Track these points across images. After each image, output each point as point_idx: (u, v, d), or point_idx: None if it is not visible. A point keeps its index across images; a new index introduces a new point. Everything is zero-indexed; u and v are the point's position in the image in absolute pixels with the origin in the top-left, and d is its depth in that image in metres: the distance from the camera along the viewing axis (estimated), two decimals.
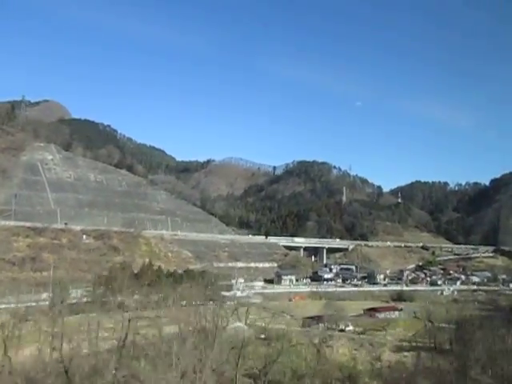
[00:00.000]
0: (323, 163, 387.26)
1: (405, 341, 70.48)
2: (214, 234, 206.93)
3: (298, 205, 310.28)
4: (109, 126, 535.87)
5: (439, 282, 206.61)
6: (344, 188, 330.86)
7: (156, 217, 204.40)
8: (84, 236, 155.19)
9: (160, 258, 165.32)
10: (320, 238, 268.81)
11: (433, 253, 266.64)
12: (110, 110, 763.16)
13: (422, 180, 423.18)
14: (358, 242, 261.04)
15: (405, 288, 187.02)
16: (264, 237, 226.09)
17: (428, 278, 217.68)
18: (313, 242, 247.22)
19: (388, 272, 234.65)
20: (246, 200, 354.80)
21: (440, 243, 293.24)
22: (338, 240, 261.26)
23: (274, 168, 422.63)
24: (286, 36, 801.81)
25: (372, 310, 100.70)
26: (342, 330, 75.56)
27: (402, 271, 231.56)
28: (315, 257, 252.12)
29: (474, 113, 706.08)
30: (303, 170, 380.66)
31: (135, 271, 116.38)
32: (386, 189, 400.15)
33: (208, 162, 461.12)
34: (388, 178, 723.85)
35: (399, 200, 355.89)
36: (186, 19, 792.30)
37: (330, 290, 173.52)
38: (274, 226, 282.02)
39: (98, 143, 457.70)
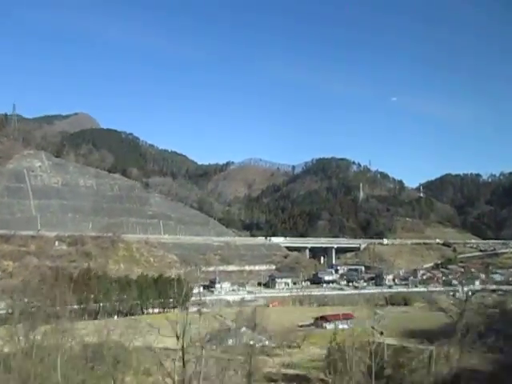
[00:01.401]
0: (342, 159, 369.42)
1: (299, 365, 56.04)
2: (207, 237, 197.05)
3: (312, 203, 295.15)
4: (131, 134, 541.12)
5: (454, 282, 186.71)
6: (361, 184, 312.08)
7: (147, 220, 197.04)
8: (56, 242, 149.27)
9: (139, 263, 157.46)
10: (332, 237, 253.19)
11: (454, 250, 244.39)
12: (134, 120, 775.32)
13: (453, 173, 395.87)
14: (371, 241, 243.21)
15: (413, 289, 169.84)
16: (264, 238, 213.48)
17: (443, 278, 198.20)
18: (320, 242, 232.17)
19: (402, 272, 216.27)
20: (261, 201, 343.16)
21: (466, 239, 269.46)
22: (348, 239, 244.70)
23: (293, 167, 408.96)
24: (295, 39, 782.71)
25: (322, 319, 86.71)
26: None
27: (416, 271, 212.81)
28: (324, 257, 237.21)
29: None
30: (320, 168, 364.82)
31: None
32: (413, 184, 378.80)
33: (227, 164, 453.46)
34: (416, 172, 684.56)
35: (421, 194, 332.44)
36: (190, 30, 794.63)
37: (326, 293, 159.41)
38: (283, 226, 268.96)
39: (120, 151, 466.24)
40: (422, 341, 64.11)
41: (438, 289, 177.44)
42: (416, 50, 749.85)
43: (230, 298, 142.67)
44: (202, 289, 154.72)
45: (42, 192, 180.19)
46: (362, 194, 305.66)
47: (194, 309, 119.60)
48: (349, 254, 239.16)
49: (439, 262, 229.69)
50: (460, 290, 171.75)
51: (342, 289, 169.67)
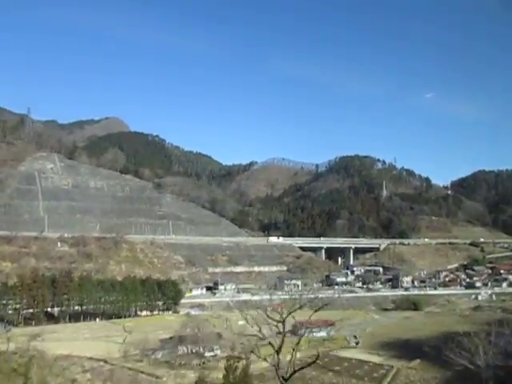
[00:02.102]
0: (366, 157, 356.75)
1: None
2: (217, 237, 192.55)
3: (333, 202, 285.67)
4: (157, 136, 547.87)
5: (478, 284, 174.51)
6: (384, 182, 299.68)
7: (156, 221, 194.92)
8: (59, 243, 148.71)
9: (143, 265, 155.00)
10: (351, 237, 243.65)
11: (481, 250, 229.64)
12: (161, 123, 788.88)
13: (487, 169, 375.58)
14: (392, 241, 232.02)
15: (431, 292, 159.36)
16: (276, 238, 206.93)
17: (467, 280, 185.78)
18: (336, 242, 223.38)
19: (423, 273, 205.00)
20: (282, 201, 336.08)
21: (497, 238, 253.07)
22: (367, 239, 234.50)
23: (317, 166, 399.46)
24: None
25: (299, 326, 79.21)
26: None
27: (438, 272, 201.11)
28: (342, 258, 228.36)
29: None
30: (343, 166, 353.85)
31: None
32: (445, 182, 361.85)
33: (250, 164, 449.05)
34: (447, 169, 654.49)
35: (449, 192, 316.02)
36: (202, 27, 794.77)
37: (336, 295, 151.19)
38: (301, 226, 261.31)
39: (146, 153, 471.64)
40: (396, 354, 56.97)
41: (459, 291, 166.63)
42: (445, 46, 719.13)
43: (231, 299, 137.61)
44: (205, 290, 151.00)
45: (52, 193, 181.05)
46: (385, 192, 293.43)
47: (190, 311, 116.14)
48: (368, 255, 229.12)
49: (465, 262, 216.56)
50: (482, 292, 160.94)
51: (353, 291, 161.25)
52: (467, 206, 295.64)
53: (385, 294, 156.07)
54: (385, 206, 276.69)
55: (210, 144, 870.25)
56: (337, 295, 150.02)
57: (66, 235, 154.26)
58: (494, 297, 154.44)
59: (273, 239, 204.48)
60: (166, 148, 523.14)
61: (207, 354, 54.86)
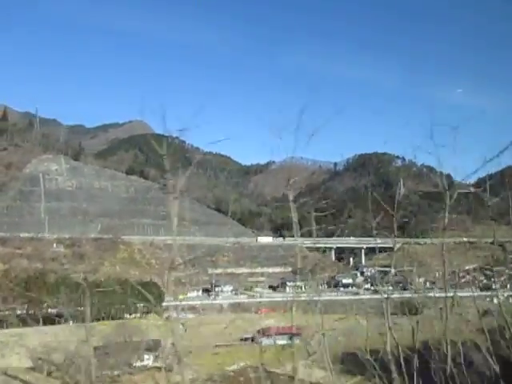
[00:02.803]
0: (384, 154, 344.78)
1: None
2: (220, 238, 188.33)
3: (347, 202, 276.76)
4: (177, 137, 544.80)
5: (495, 286, 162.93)
6: (401, 179, 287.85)
7: (159, 222, 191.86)
8: (55, 244, 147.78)
9: (139, 266, 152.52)
10: (365, 237, 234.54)
11: (503, 249, 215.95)
12: (182, 123, 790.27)
13: None
14: (407, 240, 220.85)
15: (442, 294, 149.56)
16: (282, 238, 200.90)
17: (485, 281, 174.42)
18: (347, 242, 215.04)
19: (438, 274, 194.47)
20: (298, 200, 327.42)
21: None
22: (380, 238, 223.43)
23: (335, 164, 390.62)
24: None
25: (263, 332, 73.34)
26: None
27: (454, 273, 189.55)
28: (353, 258, 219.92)
29: None
30: (361, 164, 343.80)
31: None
32: (472, 178, 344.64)
33: (268, 164, 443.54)
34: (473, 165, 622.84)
35: (471, 189, 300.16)
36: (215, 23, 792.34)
37: (338, 297, 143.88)
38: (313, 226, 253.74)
39: (167, 154, 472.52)
40: (350, 369, 50.13)
41: (468, 294, 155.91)
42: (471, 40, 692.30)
43: (225, 302, 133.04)
44: (201, 292, 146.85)
45: (54, 195, 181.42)
46: (402, 190, 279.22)
47: (172, 315, 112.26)
48: (381, 255, 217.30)
49: (485, 263, 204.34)
50: (499, 295, 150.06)
51: (357, 293, 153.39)
52: (491, 203, 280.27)
53: (391, 296, 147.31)
54: (402, 205, 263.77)
55: (229, 144, 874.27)
56: (339, 297, 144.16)
57: (64, 236, 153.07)
58: (511, 300, 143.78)
59: (263, 239, 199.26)
60: (186, 149, 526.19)
61: (137, 364, 50.31)
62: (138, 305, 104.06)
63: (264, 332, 69.58)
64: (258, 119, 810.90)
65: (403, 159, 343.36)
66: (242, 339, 76.13)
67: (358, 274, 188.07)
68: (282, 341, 65.16)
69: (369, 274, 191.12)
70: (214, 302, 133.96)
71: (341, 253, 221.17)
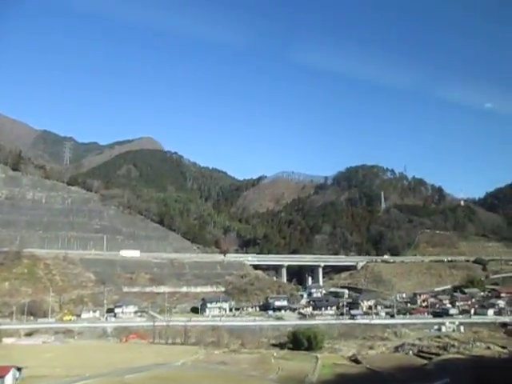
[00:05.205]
0: (373, 167, 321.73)
1: None
2: (153, 253, 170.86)
3: (324, 216, 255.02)
4: (175, 153, 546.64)
5: (452, 311, 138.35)
6: (382, 193, 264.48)
7: (91, 235, 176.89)
8: None
9: (38, 282, 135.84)
10: (333, 253, 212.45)
11: (483, 268, 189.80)
12: (182, 140, 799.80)
13: None
14: (372, 258, 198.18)
15: (377, 321, 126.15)
16: (223, 255, 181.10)
17: (442, 306, 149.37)
18: (301, 260, 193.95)
19: (400, 296, 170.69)
20: (280, 215, 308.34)
21: None
22: (342, 256, 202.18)
23: (326, 178, 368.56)
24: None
25: None
26: None
27: (415, 295, 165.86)
28: (312, 278, 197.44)
29: None
30: (346, 177, 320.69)
31: None
32: (478, 193, 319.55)
33: (259, 178, 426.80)
34: (481, 180, 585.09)
35: (462, 203, 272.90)
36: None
37: (249, 323, 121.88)
38: (282, 241, 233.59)
39: (160, 170, 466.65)
40: None
41: (421, 320, 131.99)
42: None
43: (109, 325, 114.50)
44: (98, 313, 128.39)
45: None
46: (383, 204, 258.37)
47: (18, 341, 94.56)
48: (344, 274, 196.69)
49: (458, 283, 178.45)
50: (447, 322, 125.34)
51: (281, 318, 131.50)
52: (484, 218, 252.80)
53: (319, 322, 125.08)
54: (380, 219, 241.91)
55: (225, 160, 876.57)
56: (250, 323, 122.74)
57: None
58: (462, 328, 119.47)
59: (219, 256, 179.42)
60: (183, 164, 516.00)
61: None
62: None
63: None
64: (252, 135, 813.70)
65: (393, 172, 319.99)
66: None
67: (305, 296, 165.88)
68: None
69: (318, 295, 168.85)
70: (100, 325, 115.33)
71: (300, 271, 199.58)
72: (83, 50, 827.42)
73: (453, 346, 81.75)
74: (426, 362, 72.55)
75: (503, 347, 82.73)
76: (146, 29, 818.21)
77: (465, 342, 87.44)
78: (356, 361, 77.08)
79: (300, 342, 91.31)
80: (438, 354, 76.18)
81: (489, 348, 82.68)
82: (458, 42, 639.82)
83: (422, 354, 79.02)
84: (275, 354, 76.07)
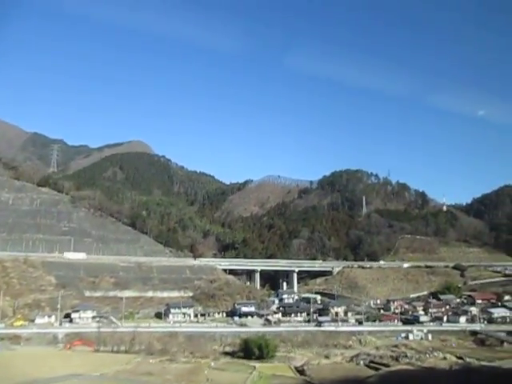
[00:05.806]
0: (357, 171, 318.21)
1: None
2: (117, 256, 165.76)
3: (301, 221, 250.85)
4: (163, 156, 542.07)
5: (423, 319, 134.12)
6: (364, 197, 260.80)
7: (57, 237, 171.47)
8: None
9: None
10: (310, 258, 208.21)
11: (461, 274, 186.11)
12: (171, 143, 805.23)
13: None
14: (348, 263, 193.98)
15: (345, 328, 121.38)
16: (194, 259, 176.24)
17: (419, 312, 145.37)
18: (275, 265, 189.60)
19: (374, 302, 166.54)
20: (262, 219, 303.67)
21: (496, 260, 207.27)
22: (317, 261, 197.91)
23: (311, 182, 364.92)
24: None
25: None
26: None
27: (388, 302, 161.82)
28: (288, 283, 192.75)
29: None
30: (330, 181, 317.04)
31: None
32: (466, 199, 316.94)
33: (245, 182, 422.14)
34: (467, 187, 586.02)
35: (444, 208, 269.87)
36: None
37: (210, 329, 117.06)
38: (260, 246, 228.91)
39: (147, 173, 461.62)
40: None
41: (390, 328, 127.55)
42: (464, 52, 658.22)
43: (61, 331, 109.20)
44: (54, 318, 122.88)
45: None
46: (364, 209, 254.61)
47: None
48: (319, 280, 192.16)
49: (434, 290, 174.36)
50: (415, 330, 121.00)
51: (245, 324, 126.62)
52: (466, 223, 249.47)
53: (284, 329, 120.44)
54: (360, 224, 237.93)
55: (213, 164, 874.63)
56: (211, 329, 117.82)
57: None
58: (430, 336, 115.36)
59: (189, 260, 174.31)
60: (170, 168, 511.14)
61: None
62: None
63: None
64: (239, 139, 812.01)
65: (377, 176, 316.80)
66: None
67: (276, 301, 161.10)
68: None
69: (290, 301, 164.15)
70: (51, 330, 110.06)
71: (274, 276, 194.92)
72: (75, 54, 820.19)
73: (405, 356, 77.24)
74: (373, 373, 68.12)
75: (460, 358, 78.33)
76: (138, 33, 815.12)
77: (422, 352, 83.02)
78: (302, 371, 72.58)
79: (251, 350, 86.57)
80: (387, 365, 71.66)
81: (445, 358, 78.27)
82: (451, 48, 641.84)
83: (372, 364, 74.47)
84: (212, 364, 71.19)
